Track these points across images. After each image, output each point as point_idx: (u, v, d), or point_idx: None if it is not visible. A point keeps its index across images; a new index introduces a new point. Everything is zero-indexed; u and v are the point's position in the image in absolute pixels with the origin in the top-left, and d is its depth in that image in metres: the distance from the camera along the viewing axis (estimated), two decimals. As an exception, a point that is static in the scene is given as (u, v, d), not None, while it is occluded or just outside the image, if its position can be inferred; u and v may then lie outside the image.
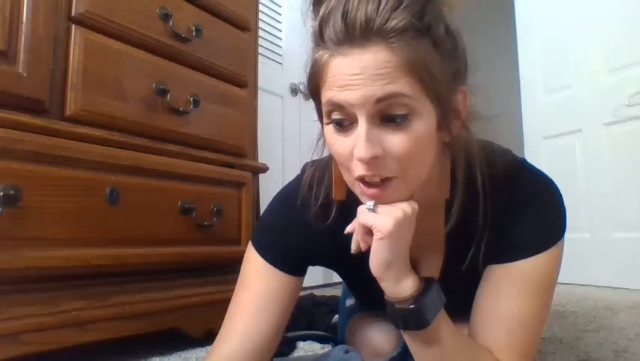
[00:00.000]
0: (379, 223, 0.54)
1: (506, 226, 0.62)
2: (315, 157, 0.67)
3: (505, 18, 3.29)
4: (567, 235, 0.64)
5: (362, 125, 0.51)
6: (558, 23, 2.74)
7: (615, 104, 2.40)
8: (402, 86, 0.50)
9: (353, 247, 0.59)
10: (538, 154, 2.73)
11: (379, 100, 0.50)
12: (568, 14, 2.68)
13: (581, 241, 2.44)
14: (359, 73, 0.49)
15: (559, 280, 0.65)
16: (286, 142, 2.48)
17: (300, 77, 2.56)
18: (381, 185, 0.54)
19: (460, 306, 0.64)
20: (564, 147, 2.67)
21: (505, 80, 3.15)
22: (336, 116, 0.53)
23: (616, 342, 1.20)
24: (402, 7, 0.49)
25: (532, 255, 0.61)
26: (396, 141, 0.51)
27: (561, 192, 0.65)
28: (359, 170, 0.53)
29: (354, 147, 0.52)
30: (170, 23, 1.15)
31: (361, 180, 0.54)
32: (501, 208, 0.62)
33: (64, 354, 0.91)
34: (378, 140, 0.51)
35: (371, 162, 0.51)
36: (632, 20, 2.37)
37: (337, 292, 1.34)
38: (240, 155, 1.36)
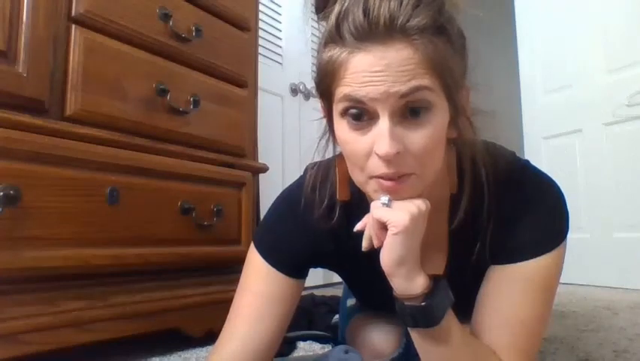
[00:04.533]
0: (395, 218, 0.53)
1: (509, 226, 0.62)
2: (317, 156, 0.67)
3: (505, 18, 3.29)
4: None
5: (384, 121, 0.51)
6: (558, 23, 2.74)
7: (615, 104, 2.40)
8: (425, 81, 0.50)
9: (365, 244, 0.59)
10: (538, 154, 2.73)
11: (404, 95, 0.50)
12: (568, 14, 2.68)
13: (581, 241, 2.44)
14: (382, 70, 0.49)
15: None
16: (286, 142, 2.48)
17: (300, 77, 2.56)
18: (398, 180, 0.53)
19: (462, 305, 0.64)
20: (564, 147, 2.67)
21: (505, 80, 3.15)
22: (354, 111, 0.53)
23: (616, 342, 1.20)
24: (422, 5, 0.50)
25: (535, 256, 0.61)
26: (417, 136, 0.51)
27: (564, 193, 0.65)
28: (378, 169, 0.52)
29: (371, 145, 0.52)
30: (170, 23, 1.15)
31: (378, 177, 0.54)
32: (504, 209, 0.62)
33: (64, 354, 0.91)
34: (400, 136, 0.51)
35: (392, 159, 0.51)
36: (632, 20, 2.37)
37: (337, 292, 1.34)
38: (239, 155, 1.35)
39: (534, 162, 0.68)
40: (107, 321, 0.96)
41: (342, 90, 0.53)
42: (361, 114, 0.52)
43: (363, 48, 0.50)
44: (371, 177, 0.54)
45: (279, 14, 2.51)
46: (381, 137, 0.51)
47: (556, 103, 2.73)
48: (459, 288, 0.61)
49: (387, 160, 0.51)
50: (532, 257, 0.61)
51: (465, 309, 0.65)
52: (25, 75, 0.88)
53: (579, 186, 2.54)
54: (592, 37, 2.55)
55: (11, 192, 0.82)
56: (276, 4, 2.50)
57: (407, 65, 0.49)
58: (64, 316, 0.90)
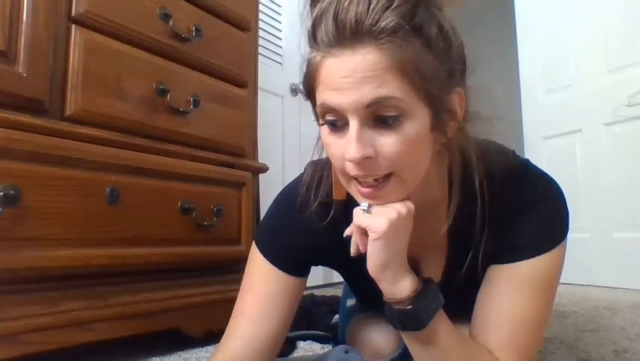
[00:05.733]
0: (373, 224, 0.54)
1: (509, 226, 0.62)
2: (316, 157, 0.67)
3: (505, 18, 3.29)
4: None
5: (353, 126, 0.51)
6: (558, 23, 2.74)
7: (615, 104, 2.40)
8: (392, 89, 0.49)
9: (352, 249, 0.60)
10: (538, 154, 2.73)
11: (369, 105, 0.50)
12: (568, 14, 2.68)
13: (581, 241, 2.44)
14: (348, 76, 0.50)
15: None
16: (286, 142, 2.48)
17: (300, 77, 2.56)
18: (376, 185, 0.54)
19: (463, 306, 0.64)
20: (564, 147, 2.67)
21: (505, 80, 3.15)
22: (329, 117, 0.54)
23: (616, 342, 1.20)
24: (392, 7, 0.49)
25: (535, 256, 0.61)
26: (387, 141, 0.51)
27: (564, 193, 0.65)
28: (352, 170, 0.53)
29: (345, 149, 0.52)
30: (170, 23, 1.15)
31: (356, 179, 0.54)
32: (503, 208, 0.62)
33: (64, 354, 0.91)
34: (370, 141, 0.51)
35: (362, 162, 0.51)
36: (632, 20, 2.37)
37: (337, 292, 1.34)
38: (239, 155, 1.35)
39: (534, 162, 0.68)
40: (107, 321, 0.96)
41: (318, 96, 0.54)
42: (337, 120, 0.53)
43: (332, 53, 0.51)
44: (350, 179, 0.55)
45: (279, 14, 2.51)
46: (349, 141, 0.51)
47: (556, 103, 2.73)
48: (458, 288, 0.61)
49: (357, 164, 0.52)
50: (532, 256, 0.61)
51: (464, 309, 0.65)
52: (25, 75, 0.88)
53: (579, 186, 2.54)
54: (592, 37, 2.55)
55: (11, 192, 0.82)
56: (276, 4, 2.50)
57: (374, 70, 0.49)
58: (64, 316, 0.90)
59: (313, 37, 0.53)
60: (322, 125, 0.55)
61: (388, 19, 0.49)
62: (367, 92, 0.49)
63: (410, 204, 0.56)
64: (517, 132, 2.91)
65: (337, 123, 0.53)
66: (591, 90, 2.55)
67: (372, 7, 0.49)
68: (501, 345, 0.60)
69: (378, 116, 0.51)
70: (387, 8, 0.49)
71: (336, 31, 0.50)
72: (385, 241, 0.54)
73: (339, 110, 0.51)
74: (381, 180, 0.54)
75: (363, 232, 0.56)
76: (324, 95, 0.52)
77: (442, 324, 0.58)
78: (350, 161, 0.52)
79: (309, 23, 0.53)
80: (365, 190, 0.54)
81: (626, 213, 2.36)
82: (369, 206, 0.55)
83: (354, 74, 0.49)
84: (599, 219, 2.48)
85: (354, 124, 0.51)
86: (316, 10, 0.52)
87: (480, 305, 0.63)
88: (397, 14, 0.49)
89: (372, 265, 0.56)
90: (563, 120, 2.68)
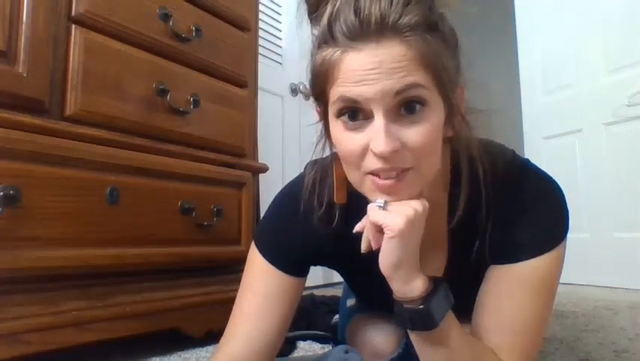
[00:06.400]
0: (390, 222, 0.53)
1: (508, 225, 0.62)
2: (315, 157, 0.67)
3: (505, 18, 3.29)
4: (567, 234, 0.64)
5: (379, 119, 0.51)
6: (558, 23, 2.74)
7: (615, 104, 2.40)
8: (418, 77, 0.50)
9: (363, 246, 0.59)
10: (538, 154, 2.73)
11: (398, 92, 0.50)
12: (568, 14, 2.68)
13: (581, 241, 2.43)
14: (375, 67, 0.50)
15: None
16: (286, 142, 2.48)
17: (300, 77, 2.56)
18: (396, 177, 0.53)
19: (462, 305, 0.64)
20: (564, 147, 2.67)
21: (505, 79, 3.15)
22: (346, 110, 0.53)
23: (616, 342, 1.20)
24: (412, 3, 0.50)
25: (535, 256, 0.61)
26: (412, 133, 0.51)
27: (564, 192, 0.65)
28: (374, 164, 0.52)
29: (367, 143, 0.52)
30: (170, 23, 1.15)
31: (374, 174, 0.53)
32: (503, 207, 0.62)
33: (64, 354, 0.91)
34: (395, 134, 0.51)
35: (389, 156, 0.51)
36: (632, 20, 2.37)
37: (337, 292, 1.34)
38: (239, 155, 1.36)
39: (534, 162, 0.68)
40: (107, 321, 0.96)
41: (336, 91, 0.53)
42: (357, 114, 0.53)
43: (355, 47, 0.51)
44: (366, 174, 0.54)
45: (279, 14, 2.51)
46: (376, 135, 0.51)
47: (556, 103, 2.73)
48: (459, 287, 0.61)
49: (383, 157, 0.51)
50: (532, 257, 0.61)
51: (465, 308, 0.65)
52: (25, 75, 0.88)
53: (579, 186, 2.53)
54: (592, 37, 2.55)
55: (11, 192, 0.82)
56: (276, 4, 2.50)
57: (400, 61, 0.50)
58: (64, 316, 0.90)
59: (329, 33, 0.52)
60: (339, 118, 0.54)
61: (412, 14, 0.50)
62: (396, 81, 0.50)
63: (425, 202, 0.56)
64: (517, 132, 2.91)
65: (358, 117, 0.53)
66: (591, 90, 2.55)
67: (394, 2, 0.50)
68: (502, 346, 0.60)
69: (406, 104, 0.51)
70: (407, 4, 0.50)
71: (359, 26, 0.50)
72: (401, 240, 0.53)
73: (363, 102, 0.51)
74: (400, 173, 0.53)
75: (378, 229, 0.55)
76: (343, 89, 0.52)
77: (451, 324, 0.58)
78: (380, 155, 0.51)
79: (323, 20, 0.53)
80: (384, 183, 0.53)
81: (626, 213, 2.36)
82: (385, 203, 0.54)
83: (380, 65, 0.50)
84: (599, 220, 2.47)
85: (379, 117, 0.51)
86: (329, 7, 0.52)
87: (480, 306, 0.64)
88: (418, 10, 0.50)
89: (385, 263, 0.55)
90: (563, 120, 2.68)
